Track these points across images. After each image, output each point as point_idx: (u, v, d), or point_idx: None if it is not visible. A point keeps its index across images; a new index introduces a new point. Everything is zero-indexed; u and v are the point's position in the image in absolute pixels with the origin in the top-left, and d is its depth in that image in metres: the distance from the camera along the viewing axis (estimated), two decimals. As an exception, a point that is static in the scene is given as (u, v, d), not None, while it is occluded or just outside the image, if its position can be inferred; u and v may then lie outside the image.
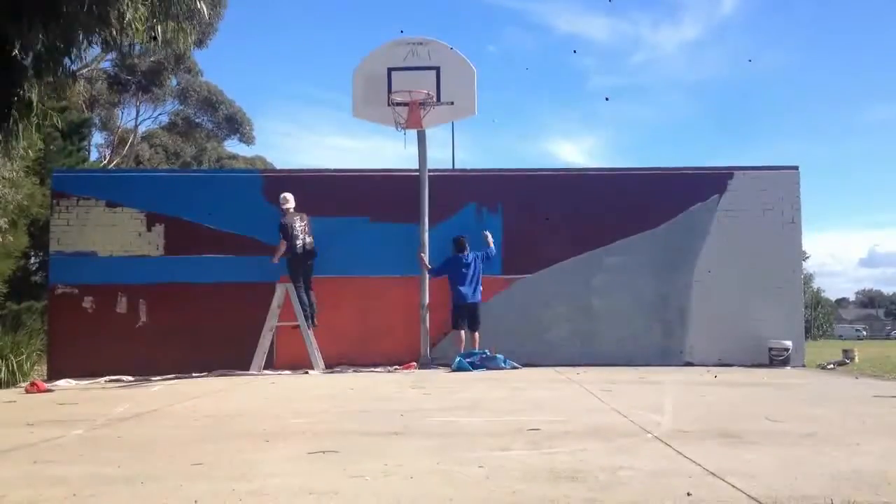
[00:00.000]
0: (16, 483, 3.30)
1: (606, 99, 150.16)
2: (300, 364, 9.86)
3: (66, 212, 10.74)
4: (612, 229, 10.80)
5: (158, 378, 9.12)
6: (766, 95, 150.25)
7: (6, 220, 12.78)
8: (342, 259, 10.50)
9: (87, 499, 2.99)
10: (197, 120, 31.22)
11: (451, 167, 13.26)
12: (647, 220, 10.84)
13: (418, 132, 10.53)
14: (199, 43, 22.96)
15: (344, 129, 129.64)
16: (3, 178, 12.12)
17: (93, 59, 20.76)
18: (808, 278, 54.32)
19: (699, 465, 3.46)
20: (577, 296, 10.76)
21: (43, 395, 7.76)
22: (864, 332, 71.19)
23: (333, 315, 10.38)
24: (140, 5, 6.50)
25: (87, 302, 10.58)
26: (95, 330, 10.41)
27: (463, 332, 10.15)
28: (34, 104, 6.62)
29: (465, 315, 10.20)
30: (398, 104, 10.38)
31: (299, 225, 10.16)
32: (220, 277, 10.53)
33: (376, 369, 9.73)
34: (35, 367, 10.47)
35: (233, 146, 34.07)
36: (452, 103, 10.45)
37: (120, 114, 30.23)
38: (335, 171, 11.31)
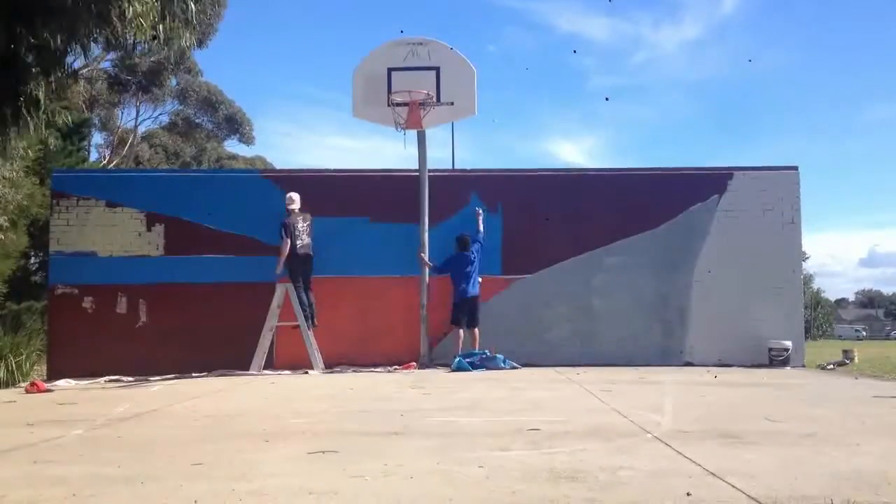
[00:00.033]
0: (16, 483, 3.30)
1: (606, 99, 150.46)
2: (300, 364, 9.86)
3: (66, 212, 10.74)
4: (612, 229, 10.80)
5: (158, 378, 9.12)
6: (766, 95, 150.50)
7: (6, 218, 12.78)
8: (342, 259, 10.50)
9: (87, 499, 2.99)
10: (197, 120, 31.23)
11: (451, 167, 13.25)
12: (648, 221, 10.84)
13: (418, 132, 10.54)
14: (200, 43, 22.93)
15: (344, 129, 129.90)
16: (3, 178, 12.11)
17: (93, 58, 20.75)
18: (808, 278, 54.42)
19: (699, 465, 3.46)
20: (577, 296, 10.76)
21: (43, 395, 7.76)
22: (864, 333, 71.26)
23: (333, 315, 10.37)
24: (140, 3, 6.50)
25: (87, 302, 10.58)
26: (95, 330, 10.41)
27: (462, 330, 10.16)
28: (41, 101, 6.64)
29: (465, 311, 10.21)
30: (398, 104, 10.38)
31: (301, 225, 10.17)
32: (219, 277, 10.53)
33: (376, 369, 9.73)
34: (35, 368, 10.48)
35: (233, 146, 34.13)
36: (452, 103, 10.45)
37: (120, 114, 30.28)
38: (335, 171, 11.31)
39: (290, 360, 10.04)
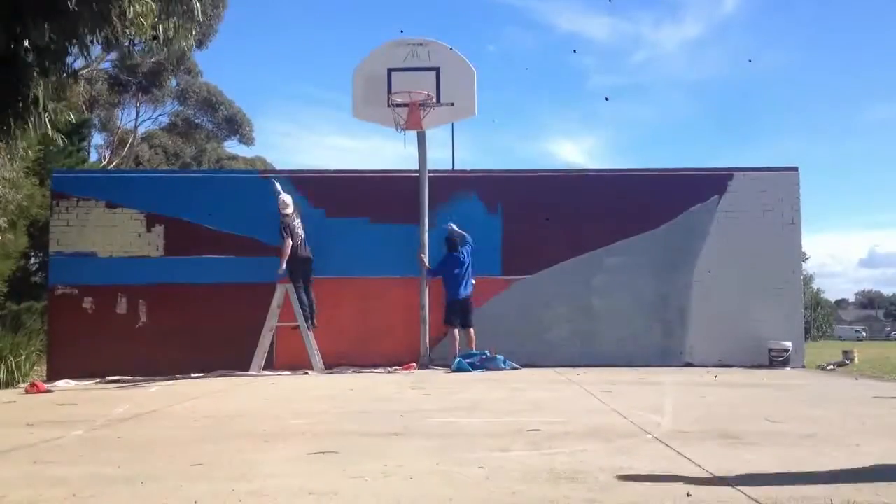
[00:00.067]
0: (16, 483, 3.30)
1: (606, 99, 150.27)
2: (300, 365, 9.86)
3: (65, 212, 10.75)
4: (613, 230, 10.80)
5: (158, 378, 9.12)
6: (766, 95, 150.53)
7: (6, 219, 12.77)
8: (342, 259, 10.50)
9: (87, 499, 2.99)
10: (197, 121, 31.24)
11: (451, 167, 13.26)
12: (648, 221, 10.85)
13: (418, 133, 10.54)
14: (199, 44, 22.99)
15: (344, 129, 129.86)
16: (3, 178, 12.11)
17: (94, 59, 20.77)
18: (808, 279, 54.33)
19: (699, 465, 3.46)
20: (578, 296, 10.76)
21: (42, 396, 7.77)
22: (864, 333, 71.24)
23: (333, 315, 10.37)
24: (141, 3, 6.50)
25: (87, 302, 10.58)
26: (95, 330, 10.41)
27: (457, 330, 10.15)
28: (40, 100, 6.63)
29: (458, 311, 10.20)
30: (398, 105, 10.38)
31: (299, 225, 10.16)
32: (219, 278, 10.53)
33: (376, 370, 9.73)
34: (35, 368, 10.48)
35: (233, 147, 34.14)
36: (452, 104, 10.46)
37: (120, 114, 30.29)
38: (335, 171, 11.32)
39: (290, 360, 10.04)
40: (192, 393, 7.32)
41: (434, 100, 10.36)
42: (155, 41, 7.06)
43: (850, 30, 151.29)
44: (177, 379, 9.12)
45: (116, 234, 10.72)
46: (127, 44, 7.31)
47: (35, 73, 6.55)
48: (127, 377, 9.51)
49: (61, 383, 9.04)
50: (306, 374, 9.60)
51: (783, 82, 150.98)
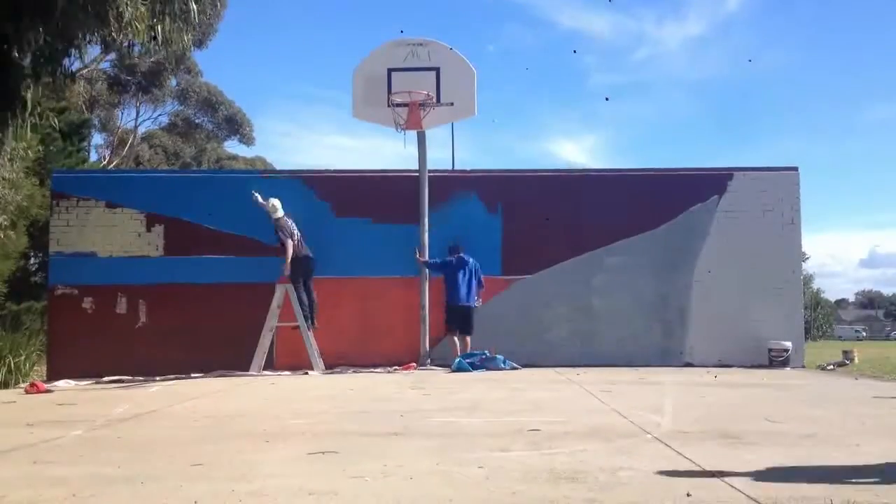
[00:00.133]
0: (16, 483, 3.30)
1: (606, 99, 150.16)
2: (300, 365, 9.86)
3: (65, 212, 10.74)
4: (613, 230, 10.80)
5: (158, 378, 9.12)
6: (766, 95, 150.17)
7: (6, 219, 12.77)
8: (342, 259, 10.50)
9: (87, 499, 2.99)
10: (197, 121, 31.21)
11: (451, 167, 13.25)
12: (648, 221, 10.85)
13: (418, 133, 10.54)
14: (199, 43, 22.96)
15: (344, 128, 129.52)
16: (3, 178, 12.11)
17: (92, 59, 20.78)
18: (808, 279, 54.25)
19: (699, 465, 3.47)
20: (578, 296, 10.76)
21: (42, 396, 7.76)
22: (864, 333, 71.20)
23: (333, 315, 10.38)
24: (140, 4, 6.50)
25: (87, 302, 10.58)
26: (95, 330, 10.41)
27: (455, 336, 10.13)
28: (28, 103, 6.61)
29: (458, 318, 10.17)
30: (398, 105, 10.39)
31: (293, 224, 10.12)
32: (219, 278, 10.53)
33: (376, 370, 9.73)
34: (35, 368, 10.47)
35: (233, 147, 34.09)
36: (452, 104, 10.46)
37: (120, 114, 30.26)
38: (335, 171, 11.34)
39: (290, 360, 10.04)
40: (192, 393, 7.32)
41: (434, 100, 10.36)
42: (153, 42, 7.06)
43: (850, 30, 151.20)
44: (177, 379, 9.12)
45: (116, 234, 10.72)
46: (126, 44, 7.31)
47: (28, 76, 6.54)
48: (127, 377, 9.52)
49: (61, 383, 9.04)
50: (306, 374, 9.60)
51: (783, 82, 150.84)
